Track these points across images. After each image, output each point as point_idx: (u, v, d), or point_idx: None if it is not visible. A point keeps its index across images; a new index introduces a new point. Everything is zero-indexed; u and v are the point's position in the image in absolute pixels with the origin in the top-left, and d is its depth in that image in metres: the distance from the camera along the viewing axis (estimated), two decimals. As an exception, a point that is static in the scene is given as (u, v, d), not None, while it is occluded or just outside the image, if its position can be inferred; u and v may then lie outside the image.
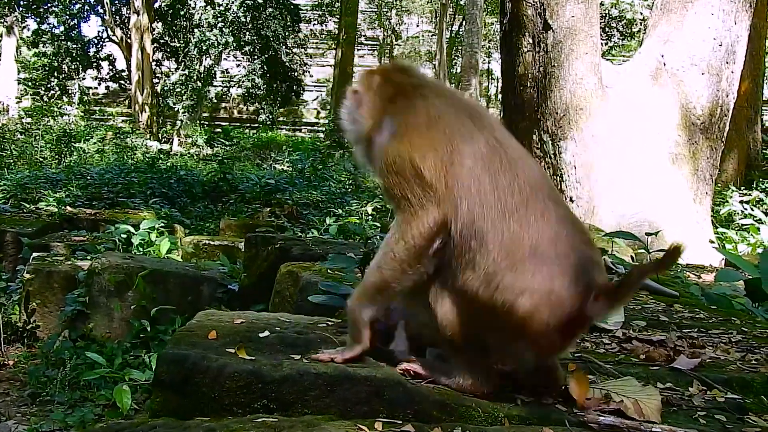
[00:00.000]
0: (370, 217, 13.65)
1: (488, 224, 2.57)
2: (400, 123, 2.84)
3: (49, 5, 37.84)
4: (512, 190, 2.61)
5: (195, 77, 33.74)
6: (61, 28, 38.10)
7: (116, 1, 39.99)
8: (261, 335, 3.13)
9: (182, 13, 36.21)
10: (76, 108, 36.53)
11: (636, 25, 41.26)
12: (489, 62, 44.21)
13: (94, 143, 26.48)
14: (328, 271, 5.21)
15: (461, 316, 2.65)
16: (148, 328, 7.03)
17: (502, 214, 2.57)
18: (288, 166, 24.83)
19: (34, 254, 8.48)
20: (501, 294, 2.51)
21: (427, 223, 2.64)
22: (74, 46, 37.90)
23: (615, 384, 2.77)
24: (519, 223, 2.56)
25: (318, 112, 43.66)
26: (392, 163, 2.73)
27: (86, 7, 39.79)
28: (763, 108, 28.73)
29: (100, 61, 39.89)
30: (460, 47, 38.16)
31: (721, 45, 11.04)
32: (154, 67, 37.95)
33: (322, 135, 33.87)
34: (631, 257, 7.73)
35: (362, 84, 3.12)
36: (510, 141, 2.83)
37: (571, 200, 10.57)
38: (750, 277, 5.78)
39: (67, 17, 37.85)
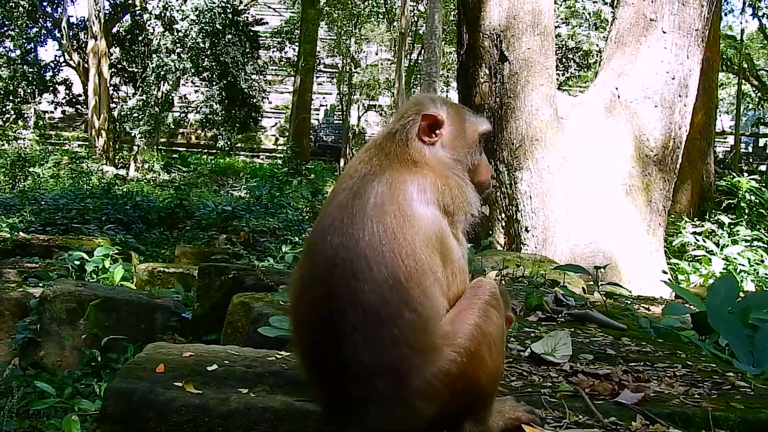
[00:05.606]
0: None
1: None
2: None
3: (5, 29, 37.56)
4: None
5: (153, 102, 33.57)
6: (18, 52, 37.81)
7: (74, 26, 39.86)
8: (209, 368, 3.12)
9: (140, 38, 36.10)
10: (32, 132, 36.27)
11: (593, 56, 41.82)
12: (447, 91, 44.47)
13: (50, 168, 26.34)
14: (280, 303, 5.20)
15: None
16: (99, 357, 6.99)
17: None
18: (245, 193, 24.83)
19: (-15, 280, 8.42)
20: None
21: None
22: (30, 70, 37.58)
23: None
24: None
25: (276, 139, 43.66)
26: None
27: (43, 31, 39.60)
28: (716, 140, 29.25)
29: (57, 86, 39.70)
30: (418, 76, 38.33)
31: (674, 78, 11.24)
32: (111, 92, 37.78)
33: (280, 161, 33.83)
34: (583, 289, 7.80)
35: None
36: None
37: (527, 230, 10.66)
38: (697, 310, 5.87)
39: (24, 41, 37.54)
